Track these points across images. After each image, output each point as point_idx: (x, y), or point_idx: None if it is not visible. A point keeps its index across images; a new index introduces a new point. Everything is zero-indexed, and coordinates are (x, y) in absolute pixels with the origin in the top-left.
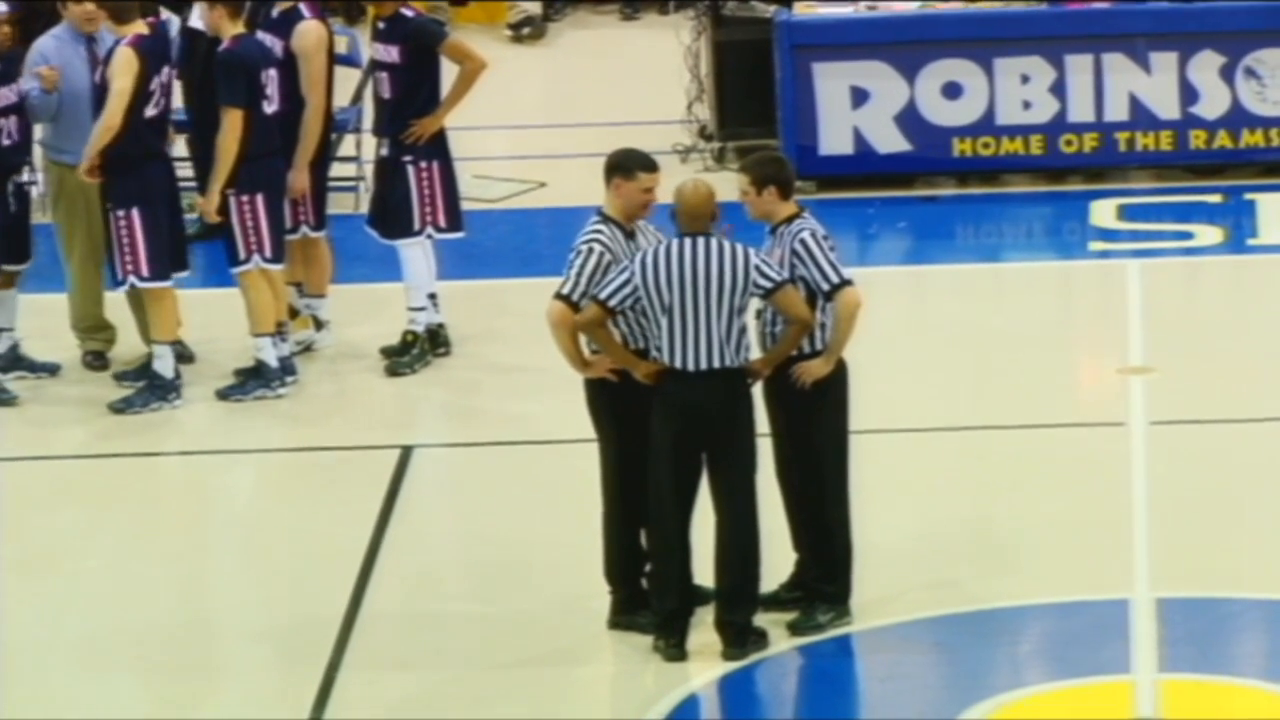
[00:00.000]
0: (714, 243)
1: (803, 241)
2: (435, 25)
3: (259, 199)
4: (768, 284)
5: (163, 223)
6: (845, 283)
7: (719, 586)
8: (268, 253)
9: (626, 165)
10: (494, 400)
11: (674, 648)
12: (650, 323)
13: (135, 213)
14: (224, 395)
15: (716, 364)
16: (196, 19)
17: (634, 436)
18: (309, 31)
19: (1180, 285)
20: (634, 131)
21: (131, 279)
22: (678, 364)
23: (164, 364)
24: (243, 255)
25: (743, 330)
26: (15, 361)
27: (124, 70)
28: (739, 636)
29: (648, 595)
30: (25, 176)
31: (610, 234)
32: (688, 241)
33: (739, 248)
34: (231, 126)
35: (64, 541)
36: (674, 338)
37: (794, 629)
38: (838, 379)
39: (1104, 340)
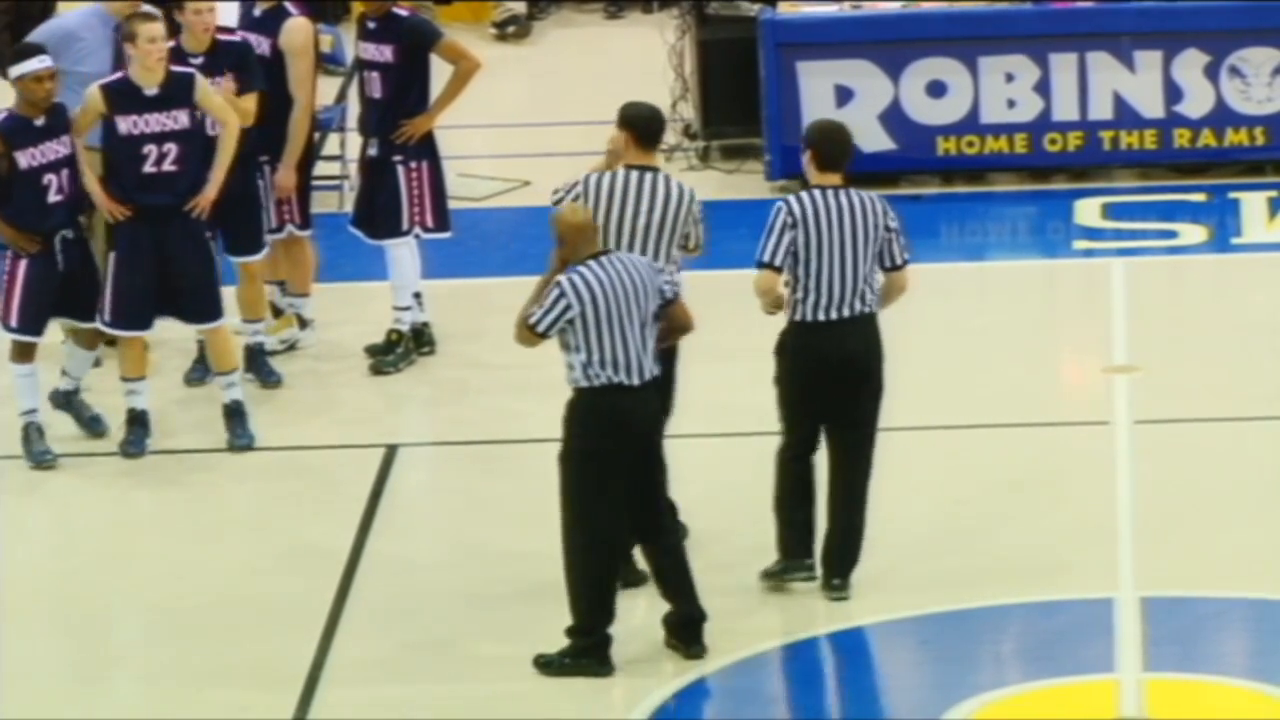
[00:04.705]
0: (625, 256)
1: None
2: (430, 25)
3: None
4: (670, 296)
5: None
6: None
7: (680, 591)
8: None
9: None
10: (479, 399)
11: (606, 665)
12: (589, 342)
13: None
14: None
15: (649, 375)
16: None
17: None
18: (298, 29)
19: (1164, 284)
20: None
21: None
22: (620, 378)
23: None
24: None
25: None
26: (67, 404)
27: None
28: (701, 633)
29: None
30: (72, 233)
31: None
32: (605, 261)
33: (643, 259)
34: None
35: (45, 541)
36: (617, 352)
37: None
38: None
39: (1088, 339)
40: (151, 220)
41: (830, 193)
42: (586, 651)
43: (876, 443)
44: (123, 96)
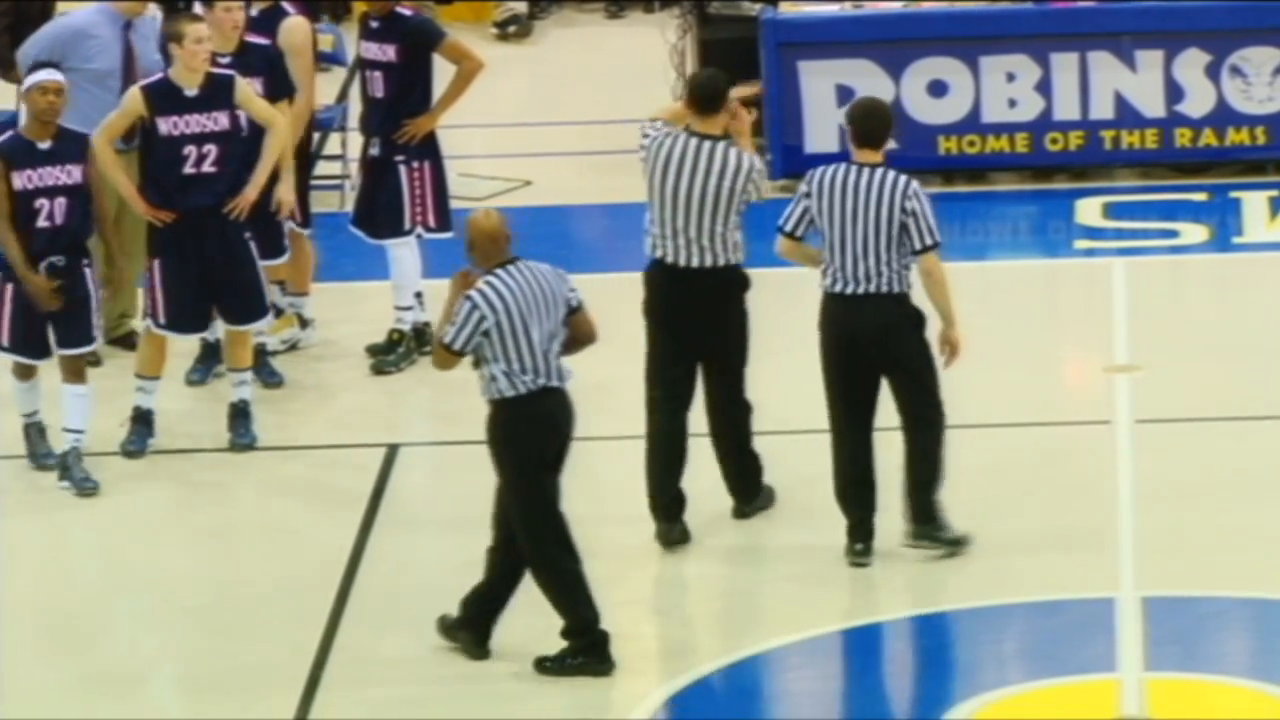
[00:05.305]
0: (532, 264)
1: None
2: (434, 25)
3: None
4: (576, 303)
5: None
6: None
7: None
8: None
9: None
10: (479, 399)
11: (606, 664)
12: (506, 351)
13: None
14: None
15: (566, 380)
16: None
17: None
18: (297, 28)
19: (1165, 283)
20: (619, 130)
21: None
22: (543, 381)
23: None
24: None
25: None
26: (65, 471)
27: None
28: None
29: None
30: (63, 260)
31: None
32: (512, 269)
33: (548, 267)
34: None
35: (46, 541)
36: (536, 359)
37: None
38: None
39: (1090, 338)
40: (191, 223)
41: (855, 168)
42: (586, 650)
43: (928, 425)
44: (163, 97)
